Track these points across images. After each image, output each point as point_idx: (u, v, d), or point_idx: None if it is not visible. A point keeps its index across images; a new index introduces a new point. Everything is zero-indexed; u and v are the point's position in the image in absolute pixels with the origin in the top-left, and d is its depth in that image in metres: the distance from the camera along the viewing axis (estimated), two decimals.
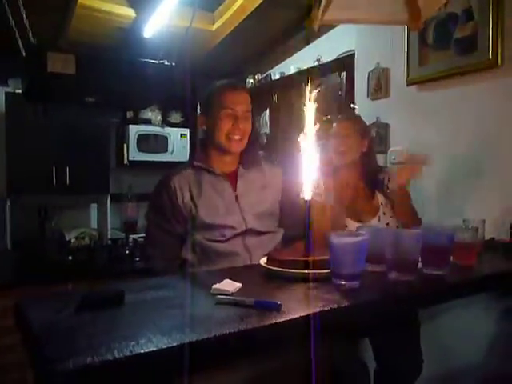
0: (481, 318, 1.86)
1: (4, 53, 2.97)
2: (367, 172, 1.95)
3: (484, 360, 1.87)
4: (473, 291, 1.30)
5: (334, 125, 1.96)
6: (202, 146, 1.65)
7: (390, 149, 2.41)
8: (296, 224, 1.69)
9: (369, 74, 2.51)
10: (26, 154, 3.10)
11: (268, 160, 1.78)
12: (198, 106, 1.66)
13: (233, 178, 1.60)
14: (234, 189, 1.58)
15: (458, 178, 2.07)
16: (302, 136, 1.20)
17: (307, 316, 0.85)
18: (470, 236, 1.31)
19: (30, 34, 2.70)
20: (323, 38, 3.19)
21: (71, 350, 0.66)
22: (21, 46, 2.71)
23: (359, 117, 2.08)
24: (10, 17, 2.59)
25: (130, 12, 2.97)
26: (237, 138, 1.55)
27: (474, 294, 1.31)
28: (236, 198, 1.57)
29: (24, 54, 2.78)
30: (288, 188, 1.69)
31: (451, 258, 1.23)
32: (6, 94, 3.12)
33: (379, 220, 1.84)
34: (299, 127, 1.21)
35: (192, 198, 1.53)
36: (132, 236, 3.47)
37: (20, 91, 3.16)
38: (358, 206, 1.90)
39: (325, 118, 2.39)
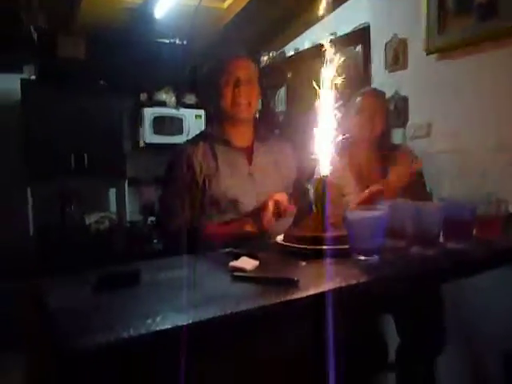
0: (504, 292, 1.82)
1: (18, 40, 2.97)
2: (383, 150, 1.90)
3: (507, 334, 1.83)
4: (496, 265, 1.27)
5: (359, 99, 1.91)
6: (215, 119, 1.64)
7: (409, 122, 2.34)
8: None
9: (385, 45, 2.43)
10: (44, 140, 3.13)
11: (281, 137, 1.78)
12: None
13: (248, 152, 1.59)
14: (250, 163, 1.57)
15: (478, 151, 2.00)
16: (319, 111, 1.17)
17: (325, 292, 0.83)
18: (494, 209, 1.27)
19: (41, 19, 2.69)
20: (337, 11, 3.09)
21: (87, 329, 0.66)
22: (32, 30, 2.71)
23: (383, 92, 2.03)
24: (22, 3, 2.58)
25: None
26: (243, 102, 1.53)
27: (498, 268, 1.27)
28: (251, 172, 1.55)
29: (35, 39, 2.77)
30: (302, 166, 1.68)
31: (474, 231, 1.19)
32: (22, 80, 3.13)
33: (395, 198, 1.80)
34: (316, 103, 1.18)
35: (207, 169, 1.51)
36: (150, 218, 3.50)
37: (34, 78, 3.19)
38: (373, 184, 1.86)
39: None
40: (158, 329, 0.66)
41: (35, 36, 2.77)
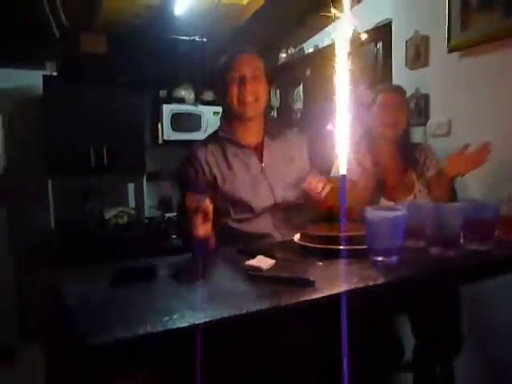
0: None
1: (40, 36, 3.02)
2: (403, 148, 1.88)
3: None
4: None
5: (381, 95, 1.88)
6: (225, 117, 1.63)
7: (430, 120, 2.30)
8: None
9: (406, 42, 2.39)
10: (65, 136, 3.18)
11: (292, 131, 1.74)
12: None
13: (259, 149, 1.58)
14: (261, 160, 1.56)
15: (502, 152, 1.95)
16: (338, 108, 1.15)
17: (342, 293, 0.82)
18: None
19: (63, 16, 2.73)
20: (358, 7, 3.05)
21: (103, 324, 0.67)
22: (54, 28, 2.75)
23: (404, 89, 1.99)
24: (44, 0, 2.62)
25: None
26: (249, 99, 1.50)
27: None
28: (262, 169, 1.54)
29: (58, 35, 2.81)
30: (315, 158, 1.66)
31: (496, 232, 1.17)
32: (44, 76, 3.18)
33: (415, 198, 1.77)
34: (335, 100, 1.16)
35: (218, 170, 1.51)
36: (167, 214, 3.53)
37: (56, 73, 3.24)
38: (391, 183, 1.83)
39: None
40: (175, 327, 0.66)
41: (57, 33, 2.81)
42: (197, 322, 0.69)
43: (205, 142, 1.58)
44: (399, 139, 1.88)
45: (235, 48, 1.60)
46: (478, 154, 1.65)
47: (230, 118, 1.58)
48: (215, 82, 1.63)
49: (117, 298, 0.81)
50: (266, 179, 1.53)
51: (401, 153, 1.88)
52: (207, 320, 0.70)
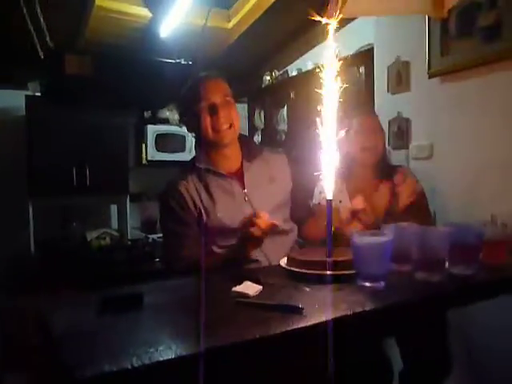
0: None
1: (23, 56, 3.00)
2: (383, 172, 1.90)
3: None
4: (503, 291, 1.25)
5: (356, 120, 1.90)
6: (200, 147, 1.58)
7: (412, 144, 2.34)
8: (306, 215, 1.67)
9: (388, 67, 2.45)
10: (47, 156, 3.13)
11: (269, 149, 1.70)
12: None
13: (239, 175, 1.54)
14: (243, 186, 1.53)
15: (483, 173, 2.00)
16: (321, 132, 1.17)
17: (330, 320, 0.82)
18: (499, 232, 1.26)
19: (48, 37, 2.72)
20: (341, 32, 3.12)
21: (90, 357, 0.65)
22: (39, 48, 2.73)
23: (377, 115, 2.04)
24: (28, 20, 2.62)
25: (145, 12, 2.96)
26: (224, 127, 1.48)
27: (505, 294, 1.25)
28: (246, 195, 1.52)
29: (42, 56, 2.80)
30: (298, 177, 1.65)
31: (480, 256, 1.18)
32: (26, 96, 3.15)
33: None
34: (318, 123, 1.18)
35: (202, 203, 1.48)
36: (151, 236, 3.48)
37: (39, 94, 3.21)
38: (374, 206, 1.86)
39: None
40: (161, 359, 0.65)
41: (41, 53, 2.80)
42: (183, 354, 0.67)
43: (184, 176, 1.53)
44: (378, 163, 1.90)
45: (197, 76, 1.56)
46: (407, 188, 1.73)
47: (206, 147, 1.55)
48: (185, 113, 1.58)
49: (103, 327, 0.79)
50: (250, 205, 1.50)
51: (379, 176, 1.90)
52: (193, 352, 0.68)
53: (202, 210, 1.47)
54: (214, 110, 1.47)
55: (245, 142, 1.61)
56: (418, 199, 1.82)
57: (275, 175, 1.59)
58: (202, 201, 1.48)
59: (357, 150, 1.86)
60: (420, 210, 1.81)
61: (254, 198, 1.52)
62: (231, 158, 1.56)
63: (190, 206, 1.48)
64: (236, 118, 1.52)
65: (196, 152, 1.62)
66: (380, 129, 1.92)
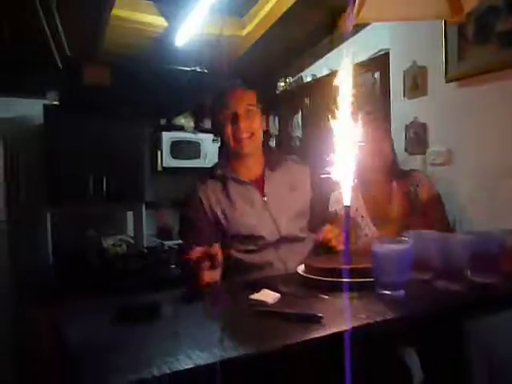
0: None
1: (42, 66, 3.06)
2: (392, 177, 1.90)
3: None
4: None
5: (363, 128, 1.91)
6: (223, 153, 1.62)
7: (429, 149, 2.31)
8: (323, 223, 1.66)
9: (404, 72, 2.43)
10: (65, 165, 3.18)
11: (294, 159, 1.71)
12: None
13: (260, 183, 1.55)
14: (263, 194, 1.54)
15: (503, 179, 1.96)
16: (335, 137, 1.16)
17: (350, 329, 0.81)
18: None
19: (66, 47, 2.77)
20: (356, 37, 3.12)
21: (109, 369, 0.65)
22: (57, 58, 2.78)
23: (382, 118, 2.05)
24: (47, 30, 2.67)
25: (161, 21, 3.01)
26: (244, 136, 1.49)
27: None
28: (265, 203, 1.52)
29: (60, 66, 2.85)
30: (317, 187, 1.65)
31: (501, 265, 1.15)
32: (45, 105, 3.21)
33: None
34: (333, 130, 1.17)
35: (222, 210, 1.49)
36: (167, 243, 3.50)
37: (57, 103, 3.26)
38: (380, 215, 1.85)
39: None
40: (181, 368, 0.64)
41: (60, 63, 2.85)
42: (203, 363, 0.67)
43: (204, 180, 1.56)
44: (387, 168, 1.89)
45: (226, 83, 1.59)
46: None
47: (228, 154, 1.58)
48: (213, 120, 1.64)
49: (121, 338, 0.79)
50: (269, 213, 1.51)
51: (389, 182, 1.89)
52: (213, 361, 0.68)
53: (221, 215, 1.49)
54: (234, 119, 1.49)
55: (269, 151, 1.63)
56: (435, 201, 1.81)
57: (296, 185, 1.60)
58: (220, 205, 1.50)
59: (364, 155, 1.87)
60: (437, 213, 1.79)
61: (273, 206, 1.52)
62: (252, 167, 1.57)
63: (206, 209, 1.50)
64: (258, 127, 1.54)
65: (218, 159, 1.65)
66: (385, 134, 1.92)
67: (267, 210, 1.51)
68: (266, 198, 1.53)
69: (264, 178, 1.56)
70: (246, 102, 1.51)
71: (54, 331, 0.89)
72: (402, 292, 0.98)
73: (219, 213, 1.49)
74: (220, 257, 1.19)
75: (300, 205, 1.58)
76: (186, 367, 0.65)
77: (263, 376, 0.79)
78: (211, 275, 1.21)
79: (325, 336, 0.79)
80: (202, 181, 1.55)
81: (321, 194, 1.70)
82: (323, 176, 1.28)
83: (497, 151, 1.99)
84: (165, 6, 2.93)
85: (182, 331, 0.83)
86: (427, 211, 1.80)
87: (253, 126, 1.51)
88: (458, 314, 1.06)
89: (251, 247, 1.46)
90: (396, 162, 1.97)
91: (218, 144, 3.81)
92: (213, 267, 1.18)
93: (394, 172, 1.91)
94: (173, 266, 3.08)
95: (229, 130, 1.50)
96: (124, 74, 3.06)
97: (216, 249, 1.18)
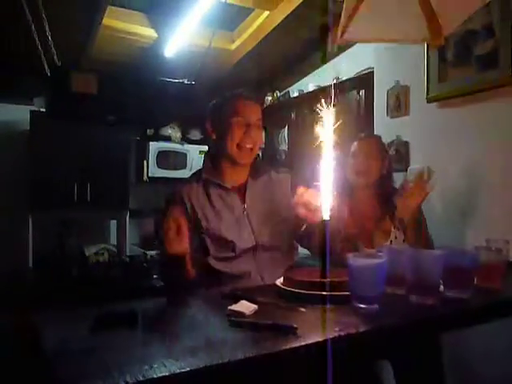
0: (507, 342, 1.79)
1: (30, 72, 3.06)
2: (382, 195, 1.92)
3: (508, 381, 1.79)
4: (498, 315, 1.25)
5: (355, 143, 1.94)
6: (212, 157, 1.63)
7: (410, 167, 2.37)
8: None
9: (388, 91, 2.50)
10: (49, 170, 3.16)
11: (276, 169, 1.73)
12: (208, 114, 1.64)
13: (242, 190, 1.59)
14: (243, 202, 1.56)
15: (478, 197, 2.02)
16: (320, 154, 1.19)
17: (324, 341, 0.82)
18: (494, 257, 1.27)
19: (55, 55, 2.78)
20: (341, 55, 3.19)
21: (83, 374, 0.65)
22: (45, 66, 2.79)
23: (379, 137, 2.06)
24: (36, 38, 2.67)
25: (151, 32, 3.04)
26: (248, 146, 1.53)
27: (500, 319, 1.25)
28: (244, 210, 1.55)
29: (48, 73, 2.85)
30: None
31: (474, 280, 1.19)
32: (31, 112, 3.20)
33: (391, 243, 1.81)
34: (317, 145, 1.20)
35: (202, 212, 1.52)
36: (150, 252, 3.49)
37: (44, 109, 3.26)
38: (369, 229, 1.87)
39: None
40: (155, 376, 0.65)
41: (48, 71, 2.85)
42: (177, 371, 0.68)
43: (190, 181, 1.59)
44: (375, 186, 1.92)
45: (235, 90, 1.61)
46: (418, 187, 1.74)
47: (220, 159, 1.59)
48: (213, 121, 1.61)
49: (97, 345, 0.79)
50: (247, 221, 1.54)
51: (378, 199, 1.92)
52: (188, 369, 0.69)
53: (201, 216, 1.51)
54: (247, 129, 1.52)
55: (254, 161, 1.65)
56: (420, 215, 1.84)
57: (277, 193, 1.63)
58: (201, 208, 1.52)
59: (350, 172, 1.90)
60: (420, 229, 1.83)
61: (253, 214, 1.55)
62: (239, 175, 1.60)
63: (188, 208, 1.52)
64: (259, 142, 1.58)
65: (205, 163, 1.65)
66: (376, 153, 1.93)
67: (246, 218, 1.54)
68: (245, 206, 1.56)
69: (247, 186, 1.59)
70: (257, 116, 1.56)
71: (30, 335, 0.89)
72: (376, 306, 1.00)
73: (199, 214, 1.51)
74: (185, 224, 1.24)
75: (280, 214, 1.60)
76: (160, 375, 0.66)
77: None
78: (178, 243, 1.25)
79: (299, 347, 0.80)
80: (187, 181, 1.59)
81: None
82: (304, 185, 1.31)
83: (474, 169, 2.05)
84: (156, 17, 2.97)
85: (158, 339, 0.83)
86: (409, 228, 1.84)
87: (257, 139, 1.56)
88: (431, 328, 1.08)
89: (228, 254, 1.48)
90: (387, 181, 1.98)
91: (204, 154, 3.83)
92: (180, 234, 1.24)
93: (383, 192, 1.94)
94: (155, 277, 3.06)
95: (237, 136, 1.51)
96: (112, 83, 3.08)
97: (182, 217, 1.24)
